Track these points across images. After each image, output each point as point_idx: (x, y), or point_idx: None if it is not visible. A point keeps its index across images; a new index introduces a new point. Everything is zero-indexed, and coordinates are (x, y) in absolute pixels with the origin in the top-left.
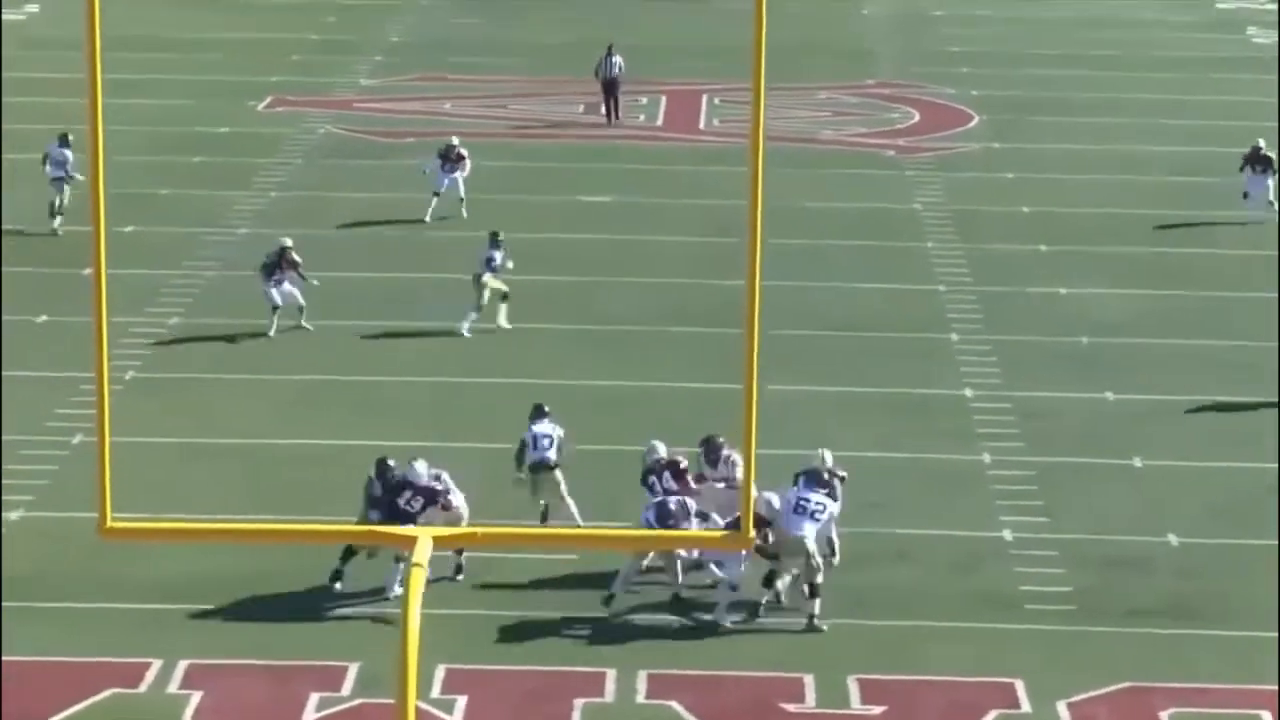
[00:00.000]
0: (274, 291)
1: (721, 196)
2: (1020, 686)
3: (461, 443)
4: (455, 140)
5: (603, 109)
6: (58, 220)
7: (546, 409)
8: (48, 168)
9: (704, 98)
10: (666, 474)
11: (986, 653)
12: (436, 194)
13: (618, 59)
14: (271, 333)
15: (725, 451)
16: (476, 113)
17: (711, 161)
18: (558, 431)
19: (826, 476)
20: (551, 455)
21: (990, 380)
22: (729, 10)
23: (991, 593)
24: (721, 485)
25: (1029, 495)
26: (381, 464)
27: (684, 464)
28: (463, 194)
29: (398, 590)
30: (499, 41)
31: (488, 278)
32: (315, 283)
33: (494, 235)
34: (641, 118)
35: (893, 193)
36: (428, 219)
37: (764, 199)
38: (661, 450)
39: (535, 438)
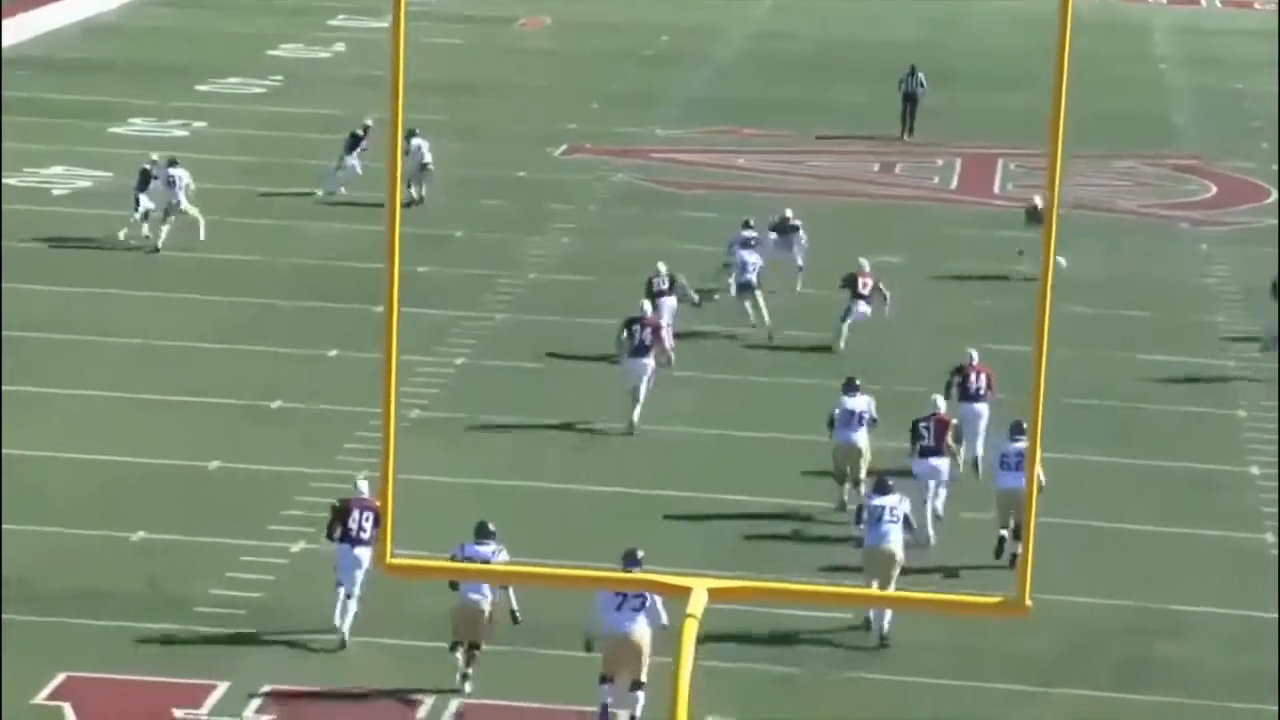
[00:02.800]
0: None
1: (1009, 261)
2: None
3: (726, 493)
4: (789, 212)
5: (899, 125)
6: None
7: (752, 239)
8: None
9: (999, 162)
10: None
11: None
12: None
13: (920, 75)
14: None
15: None
16: (770, 168)
17: (1001, 226)
18: (758, 260)
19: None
20: (754, 278)
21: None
22: (1028, 76)
23: (1267, 673)
24: None
25: None
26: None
27: None
28: (800, 263)
29: (337, 621)
30: (797, 99)
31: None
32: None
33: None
34: (936, 180)
35: (1186, 265)
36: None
37: (1054, 265)
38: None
39: (744, 263)
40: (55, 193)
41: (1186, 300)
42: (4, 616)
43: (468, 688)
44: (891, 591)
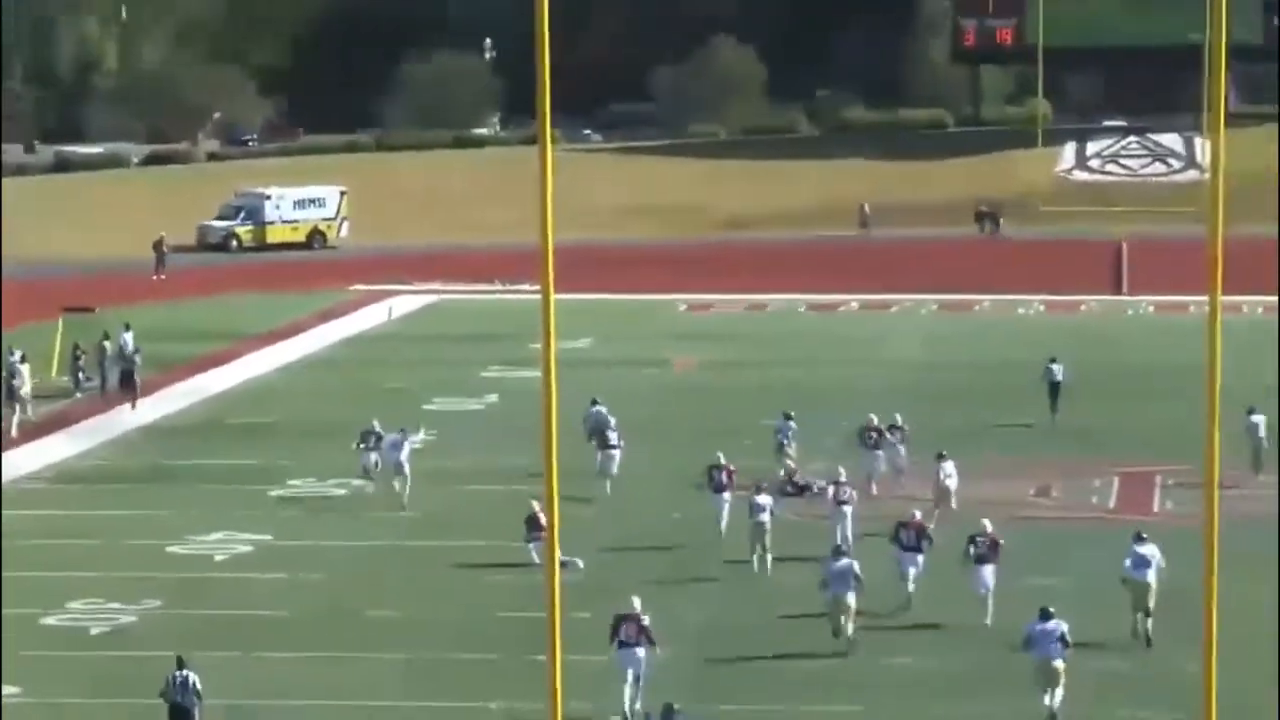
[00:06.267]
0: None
1: (1174, 579)
2: None
3: None
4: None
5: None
6: None
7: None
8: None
9: (1157, 478)
10: None
11: None
12: None
13: (1058, 366)
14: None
15: None
16: (921, 493)
17: (1165, 542)
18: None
19: None
20: None
21: None
22: (1177, 390)
23: None
24: None
25: None
26: None
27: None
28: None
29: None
30: (946, 425)
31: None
32: None
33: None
34: (1094, 499)
35: None
36: None
37: (1219, 580)
38: None
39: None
40: (217, 558)
41: None
42: None
43: None
44: None
